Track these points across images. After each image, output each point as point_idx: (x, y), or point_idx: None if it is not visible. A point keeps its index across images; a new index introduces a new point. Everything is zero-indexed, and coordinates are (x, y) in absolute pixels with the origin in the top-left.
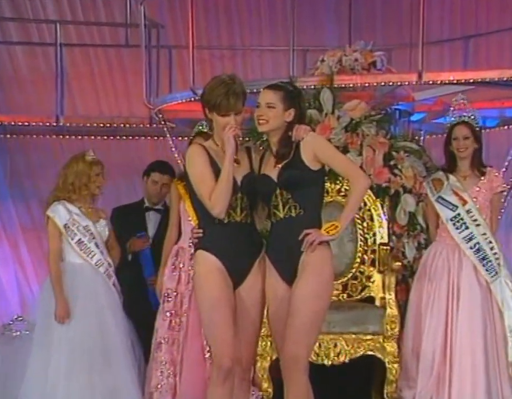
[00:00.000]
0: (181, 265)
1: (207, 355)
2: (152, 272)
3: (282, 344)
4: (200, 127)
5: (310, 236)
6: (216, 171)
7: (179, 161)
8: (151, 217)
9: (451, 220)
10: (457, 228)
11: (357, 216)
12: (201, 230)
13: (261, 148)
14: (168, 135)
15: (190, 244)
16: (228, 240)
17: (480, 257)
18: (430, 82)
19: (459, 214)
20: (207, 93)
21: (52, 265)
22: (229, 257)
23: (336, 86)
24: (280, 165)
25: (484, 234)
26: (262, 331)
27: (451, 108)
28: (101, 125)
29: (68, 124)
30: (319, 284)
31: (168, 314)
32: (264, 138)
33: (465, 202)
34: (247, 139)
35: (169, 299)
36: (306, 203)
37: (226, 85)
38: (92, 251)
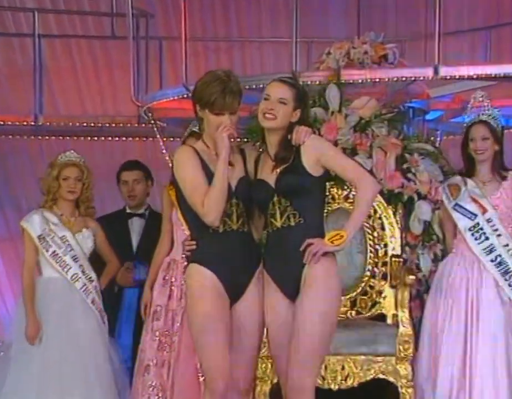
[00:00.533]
0: (173, 279)
1: (201, 379)
2: (126, 344)
3: (283, 366)
4: (194, 129)
5: (312, 246)
6: (209, 175)
7: (170, 164)
8: (134, 224)
9: (469, 230)
10: (476, 239)
11: (367, 225)
12: (193, 242)
13: (260, 149)
14: (158, 136)
15: (183, 256)
16: (224, 251)
17: (502, 271)
18: (448, 77)
19: (478, 224)
20: (200, 90)
21: (25, 278)
22: (225, 270)
23: (343, 81)
24: (278, 170)
25: (506, 245)
26: (262, 351)
27: (469, 106)
28: (84, 125)
29: (48, 124)
30: (325, 301)
31: (157, 334)
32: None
33: (484, 210)
34: (245, 140)
35: (159, 317)
36: (307, 211)
37: (222, 82)
38: (68, 264)
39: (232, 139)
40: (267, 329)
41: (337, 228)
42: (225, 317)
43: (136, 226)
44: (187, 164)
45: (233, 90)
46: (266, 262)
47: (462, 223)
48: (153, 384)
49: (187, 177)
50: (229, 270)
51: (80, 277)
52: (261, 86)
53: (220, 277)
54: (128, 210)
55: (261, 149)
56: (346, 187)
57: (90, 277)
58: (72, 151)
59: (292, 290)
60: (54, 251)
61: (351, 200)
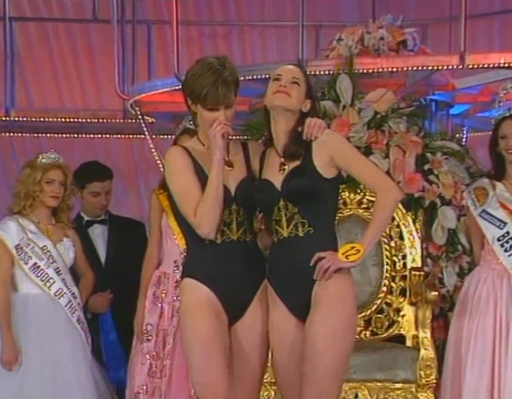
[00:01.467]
0: (163, 295)
1: None
2: (111, 340)
3: (289, 394)
4: (189, 125)
5: (324, 261)
6: (203, 179)
7: (160, 165)
8: (96, 232)
9: (498, 240)
10: (506, 250)
11: (383, 233)
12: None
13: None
14: (146, 132)
15: (175, 269)
16: (223, 265)
17: None
18: (475, 66)
19: (508, 233)
20: (190, 82)
21: (0, 296)
22: (224, 286)
23: (356, 71)
24: (285, 168)
25: None
26: (265, 377)
27: (499, 98)
28: (63, 120)
29: (21, 118)
30: (340, 322)
31: (148, 357)
32: (266, 136)
33: None
34: (244, 137)
35: (149, 338)
36: (317, 219)
37: (215, 72)
38: (51, 278)
39: (230, 137)
40: (271, 351)
41: (350, 239)
42: (224, 339)
43: (97, 235)
44: (178, 167)
45: (227, 80)
46: (271, 275)
47: (490, 232)
48: None
49: (177, 183)
50: (228, 288)
51: (64, 293)
52: (263, 76)
53: (217, 294)
54: (86, 218)
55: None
56: (359, 191)
57: (73, 293)
58: (53, 151)
59: (299, 308)
60: (35, 264)
61: (365, 206)
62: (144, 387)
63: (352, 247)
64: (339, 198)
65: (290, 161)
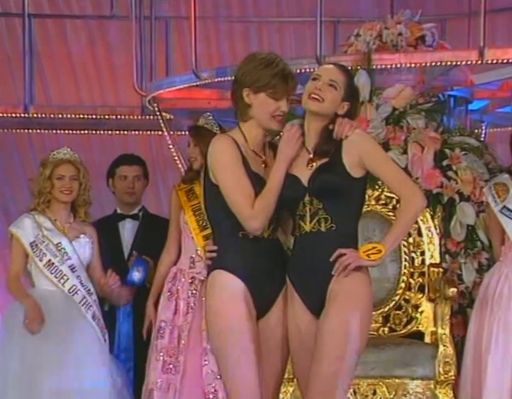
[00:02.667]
0: (178, 292)
1: None
2: (124, 332)
3: (306, 389)
4: (205, 120)
5: (344, 257)
6: (250, 174)
7: (178, 161)
8: (126, 226)
9: None
10: None
11: None
12: (215, 247)
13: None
14: (164, 129)
15: (192, 265)
16: (255, 261)
17: None
18: (494, 61)
19: None
20: (254, 71)
21: (11, 286)
22: (256, 281)
23: (374, 67)
24: (314, 165)
25: None
26: None
27: None
28: (81, 116)
29: (39, 115)
30: (352, 319)
31: (161, 353)
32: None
33: None
34: None
35: (164, 334)
36: (340, 216)
37: (280, 63)
38: (65, 275)
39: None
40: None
41: (368, 235)
42: (256, 333)
43: (127, 230)
44: (228, 158)
45: (292, 73)
46: (291, 270)
47: (511, 228)
48: None
49: (229, 173)
50: (260, 283)
51: (78, 290)
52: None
53: (250, 289)
54: (119, 211)
55: None
56: (377, 187)
57: (89, 290)
58: (66, 148)
59: (315, 304)
60: (49, 261)
61: (383, 202)
62: (159, 383)
63: (374, 247)
64: None
65: (319, 158)
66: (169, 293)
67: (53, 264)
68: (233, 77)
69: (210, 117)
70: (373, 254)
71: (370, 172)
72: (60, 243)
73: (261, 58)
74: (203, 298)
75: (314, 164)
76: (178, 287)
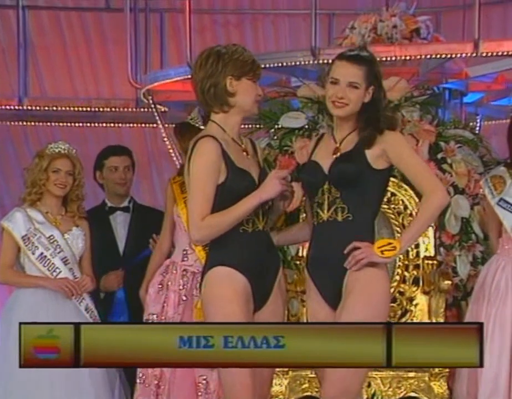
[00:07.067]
0: (169, 283)
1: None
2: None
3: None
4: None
5: (358, 252)
6: (229, 163)
7: (172, 154)
8: (118, 220)
9: None
10: None
11: (396, 223)
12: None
13: (275, 137)
14: (159, 121)
15: (184, 258)
16: (254, 254)
17: None
18: (489, 54)
19: None
20: (236, 56)
21: (1, 276)
22: (255, 274)
23: None
24: (338, 154)
25: None
26: None
27: None
28: (75, 109)
29: (33, 107)
30: (367, 314)
31: None
32: (279, 125)
33: None
34: (257, 126)
35: None
36: (358, 207)
37: (245, 49)
38: (57, 267)
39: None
40: None
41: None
42: None
43: (119, 223)
44: (205, 161)
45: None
46: (309, 261)
47: (509, 220)
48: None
49: (199, 176)
50: (259, 276)
51: None
52: (275, 65)
53: (252, 284)
54: (109, 204)
55: (275, 137)
56: None
57: None
58: (64, 141)
59: (332, 296)
60: (41, 254)
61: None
62: (149, 374)
63: (389, 243)
64: None
65: (344, 148)
66: (159, 286)
67: (45, 256)
68: (203, 75)
69: (197, 111)
70: (387, 250)
71: (393, 165)
72: (52, 235)
73: (229, 48)
74: (194, 291)
75: (339, 153)
76: (169, 280)
